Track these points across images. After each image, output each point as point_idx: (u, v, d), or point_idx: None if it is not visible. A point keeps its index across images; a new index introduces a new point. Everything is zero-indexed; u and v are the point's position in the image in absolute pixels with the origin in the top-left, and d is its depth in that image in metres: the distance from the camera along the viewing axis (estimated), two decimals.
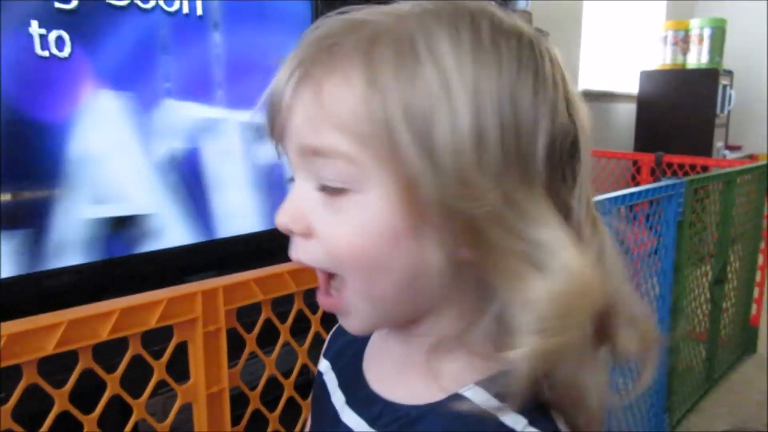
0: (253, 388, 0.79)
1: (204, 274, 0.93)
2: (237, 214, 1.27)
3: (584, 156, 0.41)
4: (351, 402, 0.48)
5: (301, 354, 0.84)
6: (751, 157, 4.03)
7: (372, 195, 0.38)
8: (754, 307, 2.53)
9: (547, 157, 0.38)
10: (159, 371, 0.69)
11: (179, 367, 0.71)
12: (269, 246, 1.32)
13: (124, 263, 1.10)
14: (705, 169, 2.76)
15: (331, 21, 0.40)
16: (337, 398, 0.50)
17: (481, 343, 0.42)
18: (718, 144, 3.86)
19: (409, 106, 0.36)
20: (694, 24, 3.88)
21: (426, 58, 0.37)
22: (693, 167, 2.81)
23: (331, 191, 0.39)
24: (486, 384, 0.41)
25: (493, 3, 0.41)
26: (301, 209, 0.41)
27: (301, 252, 0.42)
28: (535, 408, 0.40)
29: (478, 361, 0.42)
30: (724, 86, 3.83)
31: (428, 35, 0.37)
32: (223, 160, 1.24)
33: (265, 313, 0.78)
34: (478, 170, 0.37)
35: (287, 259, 0.79)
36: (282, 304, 0.81)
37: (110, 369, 0.65)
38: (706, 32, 3.81)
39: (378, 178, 0.38)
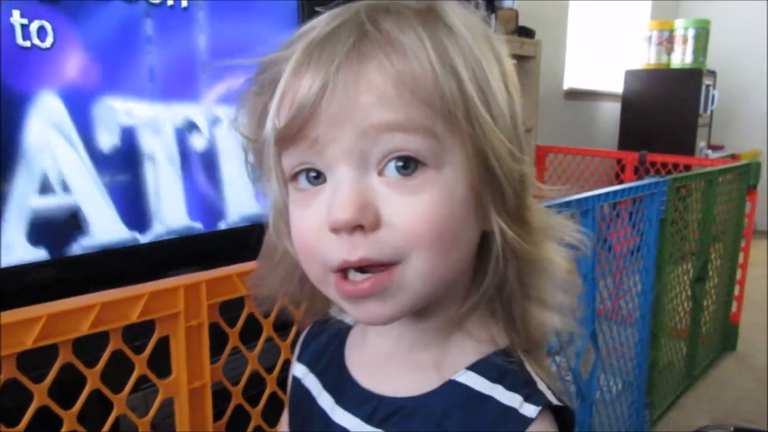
0: (235, 383, 0.78)
1: (186, 269, 0.92)
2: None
3: None
4: (341, 402, 0.47)
5: (284, 349, 0.84)
6: (733, 157, 4.08)
7: (448, 168, 0.38)
8: (734, 305, 2.56)
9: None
10: (140, 366, 0.68)
11: (161, 362, 0.71)
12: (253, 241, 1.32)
13: (104, 257, 1.09)
14: (688, 168, 2.79)
15: (355, 6, 0.39)
16: (324, 401, 0.49)
17: (476, 325, 0.44)
18: (701, 143, 3.90)
19: (472, 75, 0.38)
20: (679, 24, 3.92)
21: (460, 30, 0.39)
22: (676, 166, 2.84)
23: (405, 171, 0.38)
24: (479, 368, 0.43)
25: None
26: (367, 198, 0.38)
27: (365, 248, 0.38)
28: (526, 384, 0.42)
29: (472, 343, 0.44)
30: (708, 86, 3.87)
31: (447, 12, 0.39)
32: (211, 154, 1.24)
33: (248, 308, 0.77)
34: (515, 132, 0.40)
35: None
36: None
37: (91, 363, 0.64)
38: (690, 32, 3.85)
39: (454, 150, 0.38)
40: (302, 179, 0.41)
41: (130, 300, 0.65)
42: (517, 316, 0.44)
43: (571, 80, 3.83)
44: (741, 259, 2.53)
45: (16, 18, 0.95)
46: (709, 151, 4.03)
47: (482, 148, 0.38)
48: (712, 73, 3.99)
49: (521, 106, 0.42)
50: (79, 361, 0.62)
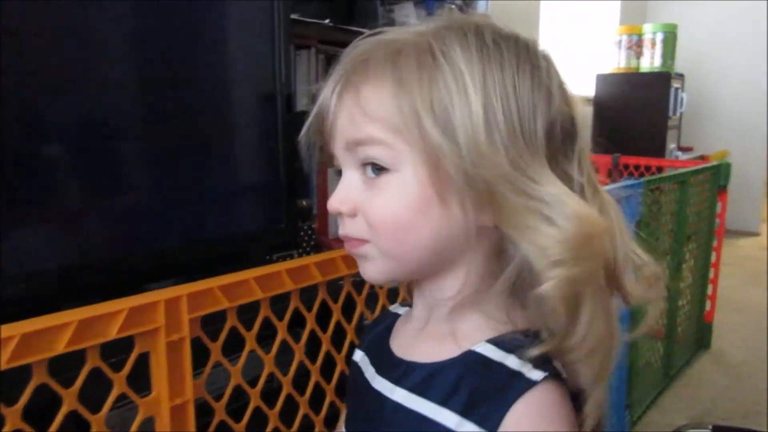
0: (218, 398, 0.76)
1: (167, 282, 0.90)
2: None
3: (582, 135, 0.52)
4: (379, 370, 0.56)
5: (268, 362, 0.82)
6: (703, 158, 4.15)
7: (405, 172, 0.48)
8: (707, 304, 2.60)
9: (546, 134, 0.48)
10: (119, 384, 0.66)
11: (141, 378, 0.68)
12: (235, 251, 1.29)
13: (81, 270, 1.05)
14: (660, 169, 2.82)
15: (366, 41, 0.50)
16: (370, 374, 0.57)
17: (494, 308, 0.51)
18: (671, 145, 3.97)
19: (431, 100, 0.46)
20: (647, 29, 3.98)
21: (442, 62, 0.47)
22: (648, 168, 2.88)
23: (373, 173, 0.49)
24: (496, 341, 0.49)
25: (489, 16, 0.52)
26: (348, 194, 0.50)
27: (347, 228, 0.51)
28: (539, 357, 0.47)
29: (491, 323, 0.51)
30: (676, 89, 3.94)
31: (443, 44, 0.48)
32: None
33: (231, 321, 0.75)
34: (489, 143, 0.47)
35: (253, 265, 0.78)
36: (248, 311, 0.79)
37: (67, 382, 0.62)
38: (659, 37, 3.92)
39: (409, 158, 0.48)
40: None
41: (108, 316, 0.63)
42: (531, 303, 0.49)
43: None
44: (713, 259, 2.57)
45: None
46: (679, 153, 4.10)
47: (438, 155, 0.47)
48: (681, 76, 4.07)
49: (526, 111, 0.48)
50: (55, 381, 0.60)
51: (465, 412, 0.47)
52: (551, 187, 0.47)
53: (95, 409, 0.65)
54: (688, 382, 2.28)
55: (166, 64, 1.14)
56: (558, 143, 0.50)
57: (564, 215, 0.46)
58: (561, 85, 0.51)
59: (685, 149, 4.34)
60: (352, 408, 0.61)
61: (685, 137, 4.46)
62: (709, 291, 2.60)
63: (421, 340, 0.54)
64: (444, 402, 0.48)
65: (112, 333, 0.63)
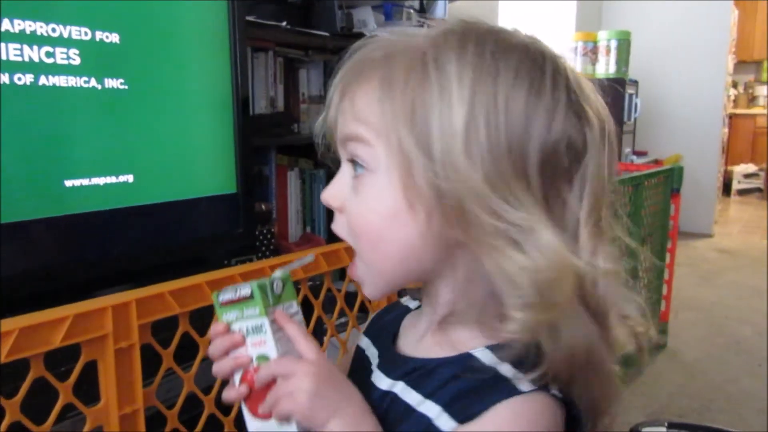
0: (170, 406, 0.74)
1: (121, 288, 0.87)
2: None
3: (593, 160, 0.47)
4: (381, 364, 0.57)
5: None
6: (656, 162, 4.26)
7: (380, 176, 0.48)
8: (663, 304, 2.66)
9: (544, 154, 0.45)
10: (65, 394, 0.64)
11: (92, 386, 0.66)
12: (192, 256, 1.27)
13: (29, 278, 1.02)
14: None
15: (372, 41, 0.51)
16: (374, 364, 0.58)
17: (490, 317, 0.49)
18: (627, 149, 4.06)
19: (413, 106, 0.46)
20: (602, 36, 4.07)
21: (431, 70, 0.47)
22: None
23: (357, 171, 0.50)
24: (494, 348, 0.49)
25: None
26: (339, 189, 0.51)
27: (336, 225, 0.53)
28: (534, 370, 0.46)
29: (487, 331, 0.50)
30: (631, 95, 4.04)
31: (438, 52, 0.47)
32: None
33: (183, 327, 0.74)
34: (466, 157, 0.45)
35: (206, 269, 0.76)
36: (203, 317, 0.77)
37: (10, 393, 0.59)
38: (613, 44, 4.00)
39: (385, 162, 0.48)
40: None
41: (52, 324, 0.60)
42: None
43: None
44: (668, 260, 2.63)
45: None
46: (634, 157, 4.20)
47: (410, 164, 0.46)
48: (635, 82, 4.17)
49: (517, 129, 0.45)
50: None
51: (446, 405, 0.48)
52: (526, 213, 0.45)
53: (42, 420, 0.62)
54: (645, 380, 2.32)
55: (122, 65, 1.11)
56: (563, 165, 0.47)
57: (534, 244, 0.44)
58: (572, 104, 0.47)
59: (640, 153, 4.44)
60: None
61: (640, 141, 4.57)
62: (664, 291, 2.65)
63: (423, 340, 0.55)
64: (430, 395, 0.49)
65: (56, 341, 0.60)
